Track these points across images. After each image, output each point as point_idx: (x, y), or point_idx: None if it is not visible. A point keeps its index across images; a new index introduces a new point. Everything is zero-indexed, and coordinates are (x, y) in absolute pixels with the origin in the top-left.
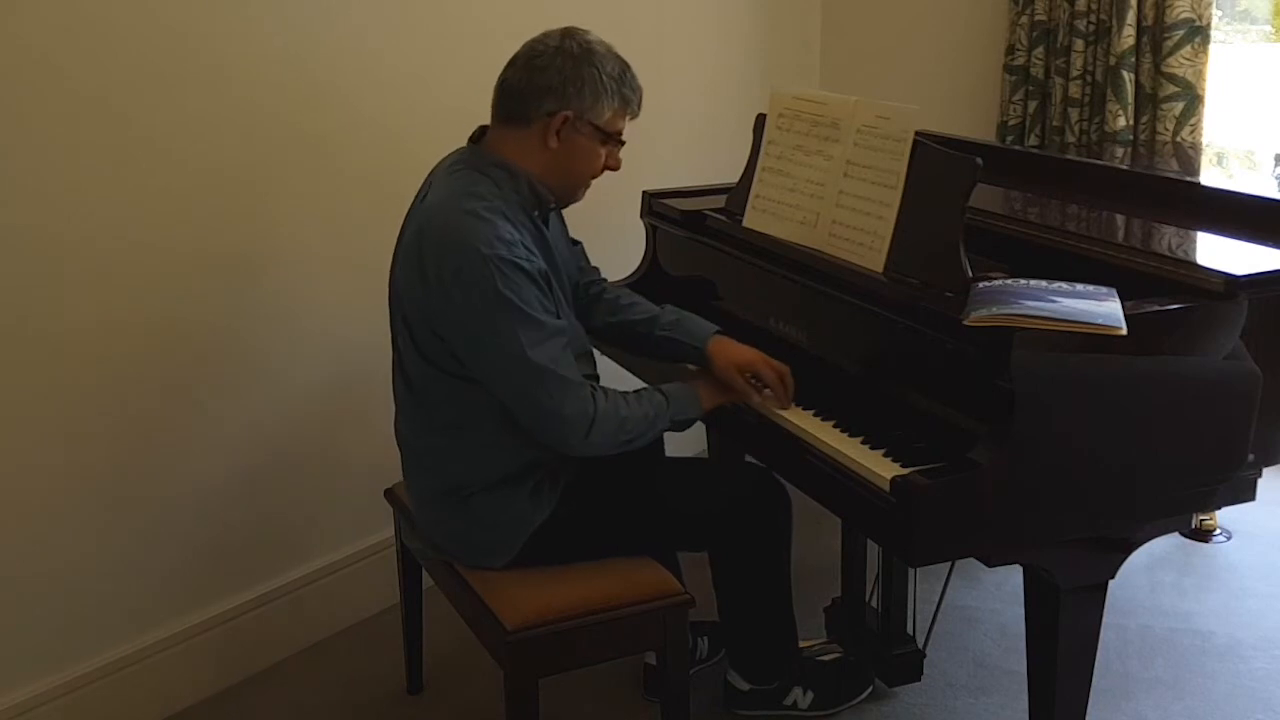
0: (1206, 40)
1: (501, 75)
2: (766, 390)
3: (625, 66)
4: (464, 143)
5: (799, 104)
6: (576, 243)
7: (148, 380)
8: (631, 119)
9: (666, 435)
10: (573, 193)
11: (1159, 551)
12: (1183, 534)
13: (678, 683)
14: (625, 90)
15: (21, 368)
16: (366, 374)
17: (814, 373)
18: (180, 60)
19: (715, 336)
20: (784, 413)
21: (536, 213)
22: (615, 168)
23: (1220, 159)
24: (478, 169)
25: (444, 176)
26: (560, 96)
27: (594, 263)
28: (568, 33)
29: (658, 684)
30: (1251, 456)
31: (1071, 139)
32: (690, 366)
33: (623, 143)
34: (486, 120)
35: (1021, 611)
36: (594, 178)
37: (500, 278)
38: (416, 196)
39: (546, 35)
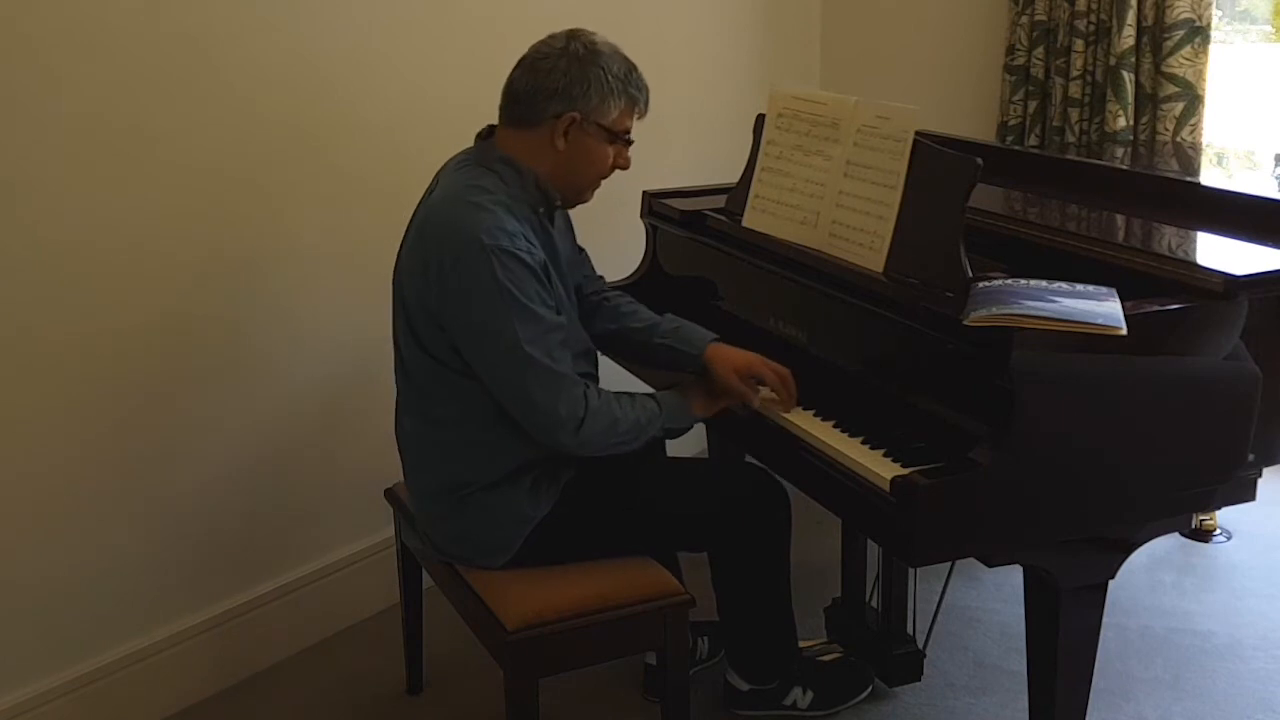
0: (1206, 40)
1: (509, 78)
2: (768, 392)
3: (631, 66)
4: (467, 142)
5: (799, 104)
6: (581, 250)
7: (148, 380)
8: (640, 118)
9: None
10: (580, 193)
11: (1159, 551)
12: (1183, 534)
13: (678, 683)
14: (631, 89)
15: (21, 368)
16: (367, 374)
17: (814, 373)
18: (181, 61)
19: (713, 343)
20: (783, 413)
21: (542, 209)
22: (625, 167)
23: (1220, 159)
24: (484, 165)
25: (450, 173)
26: (566, 98)
27: (594, 263)
28: (573, 34)
29: (658, 684)
30: (1251, 456)
31: (1071, 139)
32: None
33: (630, 141)
34: (488, 119)
35: (1021, 611)
36: (604, 177)
37: (500, 268)
38: (425, 194)
39: (552, 37)
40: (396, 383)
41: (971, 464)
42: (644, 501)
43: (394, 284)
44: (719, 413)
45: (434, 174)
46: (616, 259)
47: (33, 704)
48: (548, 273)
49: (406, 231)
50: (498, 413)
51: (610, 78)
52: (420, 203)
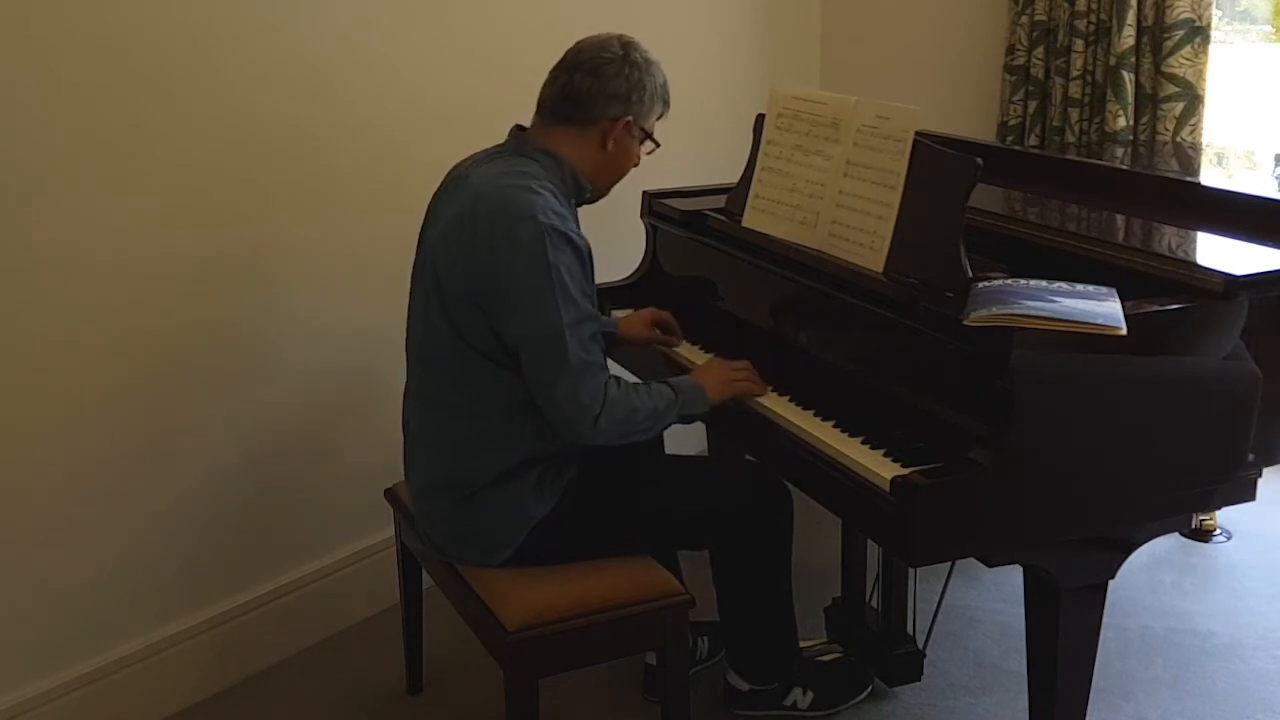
0: (1206, 40)
1: (564, 79)
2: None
3: (663, 73)
4: (465, 142)
5: (799, 104)
6: None
7: (147, 381)
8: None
9: (667, 434)
10: (609, 188)
11: (1159, 551)
12: (1183, 534)
13: (678, 683)
14: (667, 96)
15: (20, 369)
16: (366, 374)
17: (814, 372)
18: (181, 61)
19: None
20: (784, 413)
21: (574, 201)
22: (638, 163)
23: (1220, 159)
24: (523, 154)
25: (485, 162)
26: (625, 102)
27: (595, 262)
28: (625, 42)
29: (658, 684)
30: (1251, 456)
31: (1071, 139)
32: (695, 362)
33: (658, 143)
34: (488, 119)
35: (1021, 611)
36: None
37: (552, 247)
38: (441, 187)
39: (605, 43)
40: (408, 377)
41: (971, 464)
42: (645, 501)
43: (421, 272)
44: (732, 399)
45: (437, 171)
46: (616, 259)
47: (33, 704)
48: (590, 260)
49: (435, 220)
50: (519, 403)
51: (659, 86)
52: (437, 196)
